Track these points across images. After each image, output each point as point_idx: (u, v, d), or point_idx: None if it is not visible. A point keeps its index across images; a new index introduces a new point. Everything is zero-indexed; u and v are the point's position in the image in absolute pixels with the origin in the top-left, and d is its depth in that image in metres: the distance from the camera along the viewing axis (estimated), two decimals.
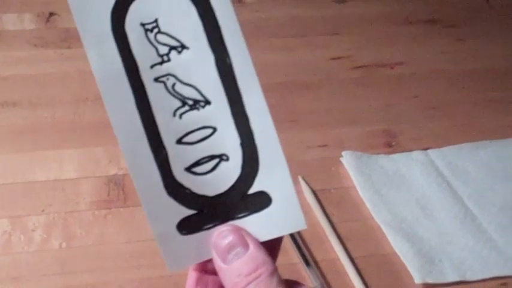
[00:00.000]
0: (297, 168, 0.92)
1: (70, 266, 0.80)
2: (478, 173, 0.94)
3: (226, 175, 0.44)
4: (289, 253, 0.82)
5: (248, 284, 0.42)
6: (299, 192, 0.89)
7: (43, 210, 0.86)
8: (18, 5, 1.19)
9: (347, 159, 0.93)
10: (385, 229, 0.85)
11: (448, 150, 0.97)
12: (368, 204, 0.88)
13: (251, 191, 0.44)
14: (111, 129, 0.95)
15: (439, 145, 0.97)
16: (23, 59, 1.08)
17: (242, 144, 0.44)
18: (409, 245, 0.83)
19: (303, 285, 0.47)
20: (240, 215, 0.44)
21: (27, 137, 0.96)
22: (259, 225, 0.44)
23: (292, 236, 0.83)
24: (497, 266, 0.83)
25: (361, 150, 0.95)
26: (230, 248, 0.43)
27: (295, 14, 1.21)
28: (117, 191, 0.89)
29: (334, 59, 1.12)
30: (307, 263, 0.81)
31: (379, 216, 0.87)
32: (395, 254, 0.83)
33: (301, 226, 0.45)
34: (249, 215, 0.44)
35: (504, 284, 0.82)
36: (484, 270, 0.82)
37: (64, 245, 0.82)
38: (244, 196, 0.44)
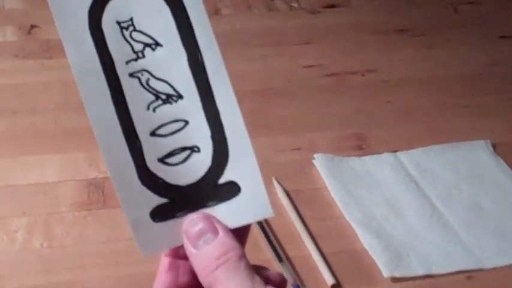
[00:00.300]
0: (271, 170, 0.96)
1: (51, 265, 0.83)
2: (445, 174, 0.97)
3: (198, 166, 0.46)
4: (262, 250, 0.85)
5: (217, 267, 0.44)
6: (273, 193, 0.93)
7: (25, 212, 0.89)
8: (1, 18, 1.22)
9: (319, 162, 0.97)
10: (355, 227, 0.89)
11: (416, 152, 1.00)
12: (339, 204, 0.92)
13: (221, 180, 0.46)
14: (91, 135, 0.98)
15: (408, 148, 1.01)
16: (5, 69, 1.11)
17: (212, 137, 0.46)
18: (378, 241, 0.87)
19: (269, 269, 0.48)
20: (210, 204, 0.46)
21: (10, 143, 0.98)
22: (229, 213, 0.46)
23: (265, 233, 0.86)
24: (462, 260, 0.86)
25: (333, 153, 0.99)
26: (200, 234, 0.45)
27: (269, 25, 1.25)
28: (97, 194, 0.91)
29: (306, 67, 1.16)
30: (280, 259, 0.84)
31: (350, 215, 0.90)
32: (365, 250, 0.87)
33: (268, 214, 0.47)
34: (219, 203, 0.46)
35: (469, 277, 0.85)
36: (450, 264, 0.86)
37: (45, 244, 0.85)
38: (215, 186, 0.46)
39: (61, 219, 0.88)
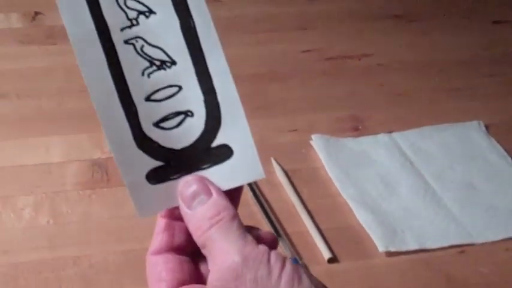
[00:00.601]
0: (270, 151, 0.98)
1: (57, 240, 0.86)
2: (438, 153, 1.00)
3: (191, 130, 0.48)
4: (262, 226, 0.88)
5: (211, 226, 0.46)
6: (271, 172, 0.95)
7: (31, 191, 0.91)
8: (5, 5, 1.24)
9: (316, 142, 0.99)
10: (351, 204, 0.91)
11: (411, 132, 1.03)
12: (336, 182, 0.94)
13: (214, 144, 0.48)
14: (94, 118, 1.00)
15: (403, 128, 1.04)
16: (10, 54, 1.14)
17: (205, 101, 0.48)
18: (373, 217, 0.89)
19: (260, 229, 0.50)
20: (204, 166, 0.48)
21: (15, 125, 1.01)
22: (222, 175, 0.48)
23: (264, 209, 0.89)
24: (455, 235, 0.89)
25: (330, 134, 1.01)
26: (194, 195, 0.47)
27: (268, 11, 1.28)
28: (101, 173, 0.94)
29: (304, 51, 1.18)
30: (279, 235, 0.87)
31: (346, 192, 0.93)
32: (360, 225, 0.89)
33: (259, 175, 0.49)
34: (212, 166, 0.48)
35: (462, 252, 0.88)
36: (443, 239, 0.88)
37: (51, 221, 0.88)
38: (208, 149, 0.48)
39: (66, 198, 0.91)
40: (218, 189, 0.47)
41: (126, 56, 0.47)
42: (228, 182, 0.48)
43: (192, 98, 0.48)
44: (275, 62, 1.16)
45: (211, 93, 0.48)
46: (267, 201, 0.91)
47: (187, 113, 0.48)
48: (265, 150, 0.98)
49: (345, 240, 0.88)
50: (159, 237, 0.49)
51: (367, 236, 0.88)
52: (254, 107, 1.03)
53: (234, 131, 0.48)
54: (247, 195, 0.91)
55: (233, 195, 0.49)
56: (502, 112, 1.08)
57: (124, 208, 0.89)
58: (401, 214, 0.91)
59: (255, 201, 0.90)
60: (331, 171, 0.96)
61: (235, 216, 0.46)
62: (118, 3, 0.47)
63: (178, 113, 0.48)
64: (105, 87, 0.46)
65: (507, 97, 1.12)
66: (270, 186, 0.94)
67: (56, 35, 1.17)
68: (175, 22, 0.47)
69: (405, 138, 1.02)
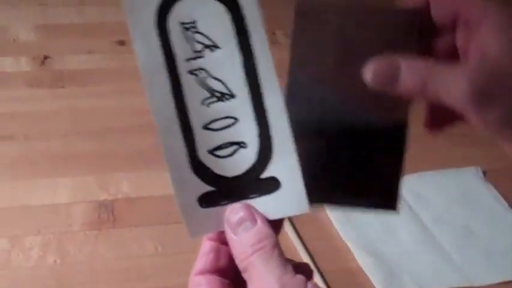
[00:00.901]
0: None
1: (64, 280, 0.88)
2: (437, 198, 1.03)
3: (243, 160, 0.51)
4: None
5: (253, 253, 0.48)
6: None
7: (39, 231, 0.94)
8: (15, 49, 1.28)
9: None
10: (351, 246, 0.94)
11: (410, 177, 1.06)
12: (336, 225, 0.97)
13: (263, 175, 0.51)
14: (100, 160, 1.03)
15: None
16: (20, 97, 1.17)
17: (259, 135, 0.51)
18: (373, 260, 0.92)
19: (296, 261, 0.52)
20: (252, 196, 0.51)
21: (24, 167, 1.04)
22: (268, 206, 0.51)
23: None
24: (453, 278, 0.91)
25: None
26: (240, 222, 0.50)
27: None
28: (107, 214, 0.97)
29: None
30: None
31: (346, 235, 0.95)
32: (360, 268, 0.92)
33: (304, 210, 0.51)
34: (259, 196, 0.51)
35: None
36: (442, 282, 0.91)
37: (58, 261, 0.90)
38: (257, 179, 0.51)
39: (73, 238, 0.93)
40: (263, 218, 0.50)
41: (189, 85, 0.50)
42: (273, 213, 0.51)
43: (247, 130, 0.51)
44: None
45: (265, 127, 0.51)
46: None
47: (241, 144, 0.51)
48: None
49: (345, 282, 0.90)
50: (203, 258, 0.52)
51: (366, 279, 0.90)
52: None
53: (284, 165, 0.51)
54: None
55: (275, 225, 0.51)
56: (498, 159, 1.11)
57: (130, 249, 0.92)
58: (400, 257, 0.93)
59: None
60: (331, 213, 0.98)
61: (277, 245, 0.49)
62: (186, 36, 0.50)
63: (232, 143, 0.51)
64: (168, 113, 0.50)
65: None
66: None
67: (64, 79, 1.20)
68: (238, 58, 0.50)
69: (404, 183, 1.04)
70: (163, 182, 1.01)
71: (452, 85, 0.49)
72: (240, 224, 0.50)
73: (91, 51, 1.29)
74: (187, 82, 0.50)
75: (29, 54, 1.26)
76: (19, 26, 1.34)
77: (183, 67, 0.50)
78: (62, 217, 0.96)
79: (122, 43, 1.31)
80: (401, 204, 0.99)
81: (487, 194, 1.04)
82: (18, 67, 1.24)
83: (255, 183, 0.51)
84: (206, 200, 0.51)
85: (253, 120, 0.51)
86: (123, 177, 1.02)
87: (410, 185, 1.04)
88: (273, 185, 0.51)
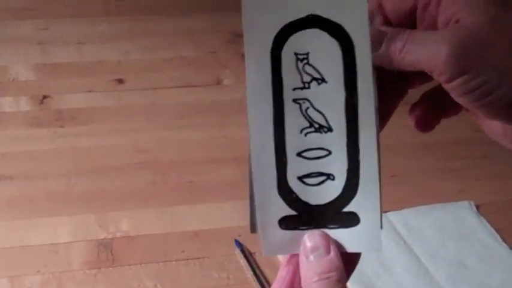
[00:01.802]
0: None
1: None
2: (432, 232, 1.05)
3: (329, 191, 0.53)
4: None
5: (318, 280, 0.50)
6: None
7: (39, 271, 0.96)
8: (15, 89, 1.31)
9: None
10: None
11: (406, 212, 1.08)
12: None
13: (345, 209, 0.53)
14: (100, 199, 1.06)
15: (397, 208, 1.09)
16: (19, 137, 1.20)
17: (348, 171, 0.53)
18: None
19: None
20: (331, 226, 0.53)
21: (24, 206, 1.07)
22: (344, 239, 0.53)
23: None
24: None
25: None
26: (315, 248, 0.52)
27: None
28: (106, 253, 0.99)
29: None
30: None
31: None
32: None
33: (378, 249, 0.53)
34: (338, 228, 0.53)
35: None
36: None
37: None
38: (339, 212, 0.53)
39: (72, 277, 0.96)
40: (337, 250, 0.52)
41: (291, 112, 0.53)
42: (348, 246, 0.53)
43: (338, 164, 0.53)
44: None
45: (355, 165, 0.53)
46: (267, 281, 0.96)
47: (330, 176, 0.53)
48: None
49: None
50: (279, 282, 0.54)
51: None
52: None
53: (366, 203, 0.53)
54: (247, 274, 0.96)
55: (349, 261, 0.53)
56: (491, 193, 1.14)
57: (129, 287, 0.94)
58: None
59: (256, 281, 0.95)
60: None
61: (342, 280, 0.51)
62: (297, 66, 0.53)
63: (321, 174, 0.54)
64: (266, 135, 0.53)
65: (496, 178, 1.17)
66: (271, 266, 0.98)
67: (64, 118, 1.24)
68: (341, 95, 0.53)
69: (400, 218, 1.07)
70: (161, 220, 1.05)
71: (431, 49, 0.50)
72: (314, 250, 0.52)
73: (90, 89, 1.32)
74: (290, 109, 0.53)
75: (29, 94, 1.30)
76: (19, 65, 1.37)
77: (288, 95, 0.53)
78: (61, 256, 0.99)
79: (120, 81, 1.35)
80: (397, 239, 1.02)
81: (480, 228, 1.06)
82: (18, 107, 1.27)
83: (336, 215, 0.53)
84: (287, 223, 0.53)
85: (345, 155, 0.53)
86: (122, 216, 1.05)
87: (406, 219, 1.07)
88: (352, 220, 0.53)
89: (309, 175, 0.54)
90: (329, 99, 0.53)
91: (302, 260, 0.52)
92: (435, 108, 0.58)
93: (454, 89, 0.50)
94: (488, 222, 1.08)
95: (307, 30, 0.53)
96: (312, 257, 0.52)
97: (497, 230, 1.06)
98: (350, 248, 0.53)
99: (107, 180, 1.12)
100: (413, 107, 0.59)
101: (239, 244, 1.00)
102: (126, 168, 1.14)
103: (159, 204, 1.08)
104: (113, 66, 1.39)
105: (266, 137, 0.53)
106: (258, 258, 0.99)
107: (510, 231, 1.07)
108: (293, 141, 0.53)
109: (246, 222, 1.03)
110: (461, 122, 1.28)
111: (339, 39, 0.53)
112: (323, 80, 0.53)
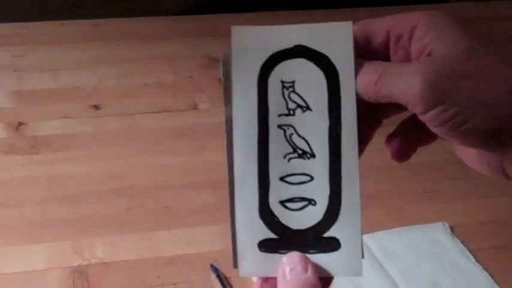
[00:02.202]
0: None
1: None
2: (406, 254, 1.07)
3: (310, 216, 0.55)
4: None
5: None
6: None
7: None
8: None
9: None
10: None
11: (380, 234, 1.10)
12: None
13: (326, 234, 0.55)
14: (75, 225, 1.06)
15: (372, 230, 1.10)
16: None
17: (330, 196, 0.55)
18: None
19: None
20: (311, 251, 0.55)
21: None
22: (324, 263, 0.55)
23: None
24: None
25: None
26: (293, 267, 0.54)
27: None
28: (81, 280, 1.00)
29: None
30: None
31: None
32: None
33: (358, 274, 0.55)
34: (318, 253, 0.55)
35: None
36: None
37: None
38: (319, 237, 0.55)
39: None
40: (314, 270, 0.54)
41: (275, 137, 0.55)
42: (327, 271, 0.55)
43: (320, 190, 0.55)
44: None
45: (337, 191, 0.55)
46: None
47: (311, 202, 0.55)
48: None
49: None
50: None
51: None
52: (221, 215, 1.09)
53: (347, 229, 0.55)
54: None
55: (324, 282, 0.55)
56: (466, 214, 1.16)
57: None
58: None
59: None
60: None
61: None
62: (283, 94, 0.55)
63: (303, 199, 0.55)
64: (249, 158, 0.55)
65: (470, 199, 1.19)
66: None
67: (39, 145, 1.24)
68: (325, 123, 0.55)
69: (375, 240, 1.08)
70: (137, 246, 1.06)
71: (405, 82, 0.52)
72: (292, 270, 0.54)
73: (66, 116, 1.33)
74: (275, 135, 0.55)
75: (4, 121, 1.30)
76: None
77: (273, 121, 0.55)
78: (36, 284, 0.99)
79: (97, 107, 1.36)
80: (372, 261, 1.03)
81: (454, 249, 1.08)
82: None
83: (316, 240, 0.55)
84: (266, 246, 0.55)
85: (327, 181, 0.55)
86: (98, 242, 1.06)
87: (381, 241, 1.08)
88: (333, 245, 0.55)
89: (291, 200, 0.55)
90: (313, 127, 0.55)
91: (279, 280, 0.54)
92: (411, 137, 0.60)
93: (429, 120, 0.52)
94: (463, 243, 1.09)
95: (294, 59, 0.55)
96: (289, 276, 0.53)
97: (471, 251, 1.08)
98: (330, 273, 0.55)
99: (83, 206, 1.12)
100: (390, 137, 0.61)
101: (215, 269, 1.01)
102: (102, 194, 1.15)
103: (135, 230, 1.09)
104: (89, 92, 1.40)
105: (250, 160, 0.55)
106: (234, 283, 1.00)
107: (484, 252, 1.09)
108: (276, 166, 0.55)
109: (222, 246, 1.05)
110: (434, 144, 1.30)
111: (324, 69, 0.55)
112: (308, 108, 0.55)
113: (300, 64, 0.55)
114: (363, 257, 0.55)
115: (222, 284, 0.99)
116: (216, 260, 1.03)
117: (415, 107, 0.52)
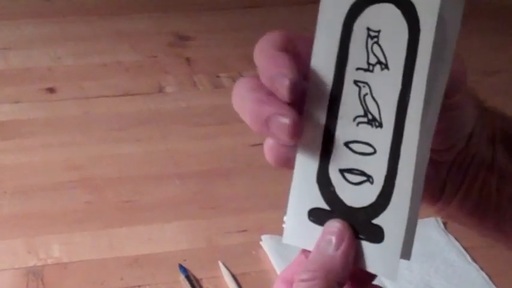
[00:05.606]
0: (217, 254, 1.04)
1: None
2: None
3: (365, 195, 0.52)
4: None
5: (300, 281, 0.50)
6: (219, 277, 1.01)
7: None
8: None
9: (266, 243, 1.05)
10: None
11: None
12: None
13: (374, 221, 0.52)
14: (29, 221, 1.05)
15: None
16: None
17: (386, 178, 0.52)
18: None
19: None
20: (359, 236, 0.52)
21: None
22: (365, 253, 0.52)
23: None
24: None
25: (281, 234, 1.07)
26: (326, 240, 0.51)
27: (215, 102, 1.34)
28: (36, 282, 0.98)
29: (253, 145, 1.25)
30: None
31: None
32: None
33: (392, 277, 0.52)
34: (363, 239, 0.52)
35: None
36: None
37: None
38: (368, 222, 0.52)
39: None
40: (349, 252, 0.51)
41: (349, 95, 0.53)
42: (364, 262, 0.52)
43: (379, 167, 0.52)
44: (222, 157, 1.22)
45: (392, 173, 0.52)
46: None
47: (369, 179, 0.53)
48: (211, 253, 1.04)
49: None
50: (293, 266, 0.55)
51: None
52: (200, 206, 1.09)
53: (393, 221, 0.51)
54: None
55: (363, 280, 0.53)
56: None
57: None
58: None
59: None
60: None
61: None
62: (366, 45, 0.52)
63: (362, 173, 0.53)
64: (319, 115, 0.53)
65: None
66: None
67: None
68: (397, 88, 0.51)
69: None
70: (97, 245, 1.04)
71: None
72: (323, 242, 0.51)
73: (17, 100, 1.31)
74: (349, 91, 0.53)
75: None
76: None
77: (350, 74, 0.53)
78: None
79: (51, 90, 1.34)
80: None
81: (448, 247, 1.07)
82: None
83: (365, 224, 0.52)
84: (317, 215, 0.53)
85: (386, 160, 0.52)
86: (54, 240, 1.04)
87: None
88: (378, 235, 0.52)
89: (350, 170, 0.53)
90: (386, 91, 0.52)
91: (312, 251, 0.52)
92: None
93: None
94: (457, 240, 1.09)
95: (383, 4, 0.52)
96: (315, 250, 0.51)
97: (466, 249, 1.08)
98: (364, 265, 0.52)
99: (36, 200, 1.11)
100: None
101: (184, 270, 1.00)
102: (58, 187, 1.14)
103: (95, 227, 1.08)
104: (43, 73, 1.38)
105: (319, 115, 0.53)
106: (205, 285, 0.99)
107: (480, 250, 1.08)
108: (343, 129, 0.53)
109: (192, 245, 1.04)
110: None
111: (409, 21, 0.51)
112: (386, 66, 0.52)
113: (388, 10, 0.52)
114: (407, 258, 0.53)
115: (192, 286, 0.98)
116: (185, 260, 1.02)
117: None
